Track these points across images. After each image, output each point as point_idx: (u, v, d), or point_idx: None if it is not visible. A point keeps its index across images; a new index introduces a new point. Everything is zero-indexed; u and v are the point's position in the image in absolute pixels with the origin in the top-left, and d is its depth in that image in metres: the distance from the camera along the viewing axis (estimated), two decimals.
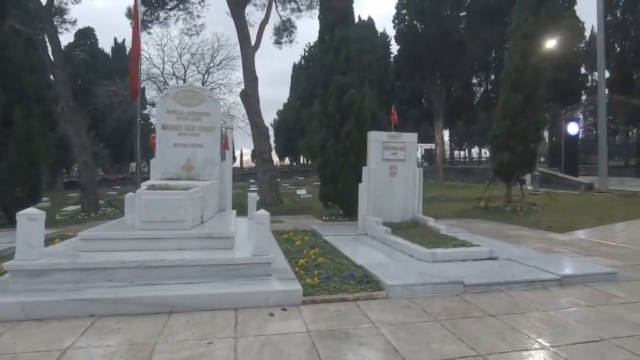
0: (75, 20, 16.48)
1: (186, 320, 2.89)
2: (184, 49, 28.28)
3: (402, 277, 3.79)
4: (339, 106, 8.78)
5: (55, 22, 15.05)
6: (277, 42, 18.79)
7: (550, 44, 12.84)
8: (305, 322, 2.92)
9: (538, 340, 2.61)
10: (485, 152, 56.92)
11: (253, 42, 12.78)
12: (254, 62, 12.42)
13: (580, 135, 24.09)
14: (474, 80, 28.82)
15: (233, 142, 7.55)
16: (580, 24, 23.75)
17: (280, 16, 17.38)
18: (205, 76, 29.21)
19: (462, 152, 63.13)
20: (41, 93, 18.39)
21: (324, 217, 9.05)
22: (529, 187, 13.62)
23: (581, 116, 30.02)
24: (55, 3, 15.11)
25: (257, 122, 12.05)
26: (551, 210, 9.57)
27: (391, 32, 29.11)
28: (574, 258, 4.94)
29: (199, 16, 17.69)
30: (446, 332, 2.74)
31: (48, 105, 18.73)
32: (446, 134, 43.29)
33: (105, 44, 38.78)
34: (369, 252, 5.11)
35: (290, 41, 18.87)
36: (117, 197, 15.38)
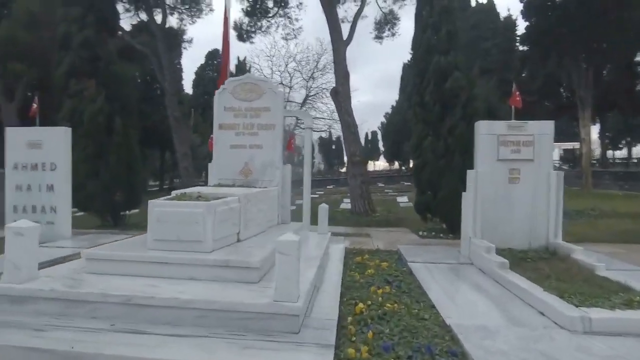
0: (191, 39, 18.22)
1: None
2: (289, 57, 29.26)
3: None
4: (439, 95, 7.03)
5: (179, 42, 16.90)
6: (378, 37, 17.45)
7: None
8: None
9: None
10: None
11: (345, 36, 11.81)
12: (346, 57, 11.39)
13: None
14: (639, 58, 22.08)
15: (315, 144, 6.68)
16: None
17: (380, 8, 16.03)
18: (309, 82, 29.65)
19: (616, 152, 50.72)
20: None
21: (420, 232, 7.36)
22: None
23: None
24: (175, 25, 16.95)
25: (348, 121, 10.95)
26: None
27: (516, 12, 24.57)
28: None
29: (297, 19, 17.66)
30: None
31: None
32: (594, 130, 35.08)
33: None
34: (469, 298, 3.41)
35: (393, 34, 17.34)
36: None
